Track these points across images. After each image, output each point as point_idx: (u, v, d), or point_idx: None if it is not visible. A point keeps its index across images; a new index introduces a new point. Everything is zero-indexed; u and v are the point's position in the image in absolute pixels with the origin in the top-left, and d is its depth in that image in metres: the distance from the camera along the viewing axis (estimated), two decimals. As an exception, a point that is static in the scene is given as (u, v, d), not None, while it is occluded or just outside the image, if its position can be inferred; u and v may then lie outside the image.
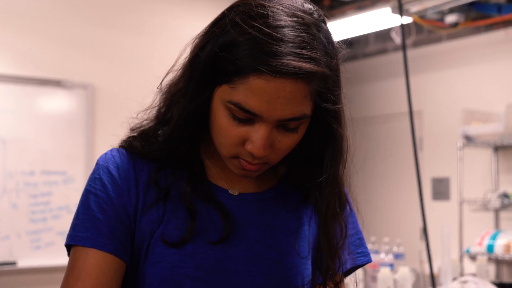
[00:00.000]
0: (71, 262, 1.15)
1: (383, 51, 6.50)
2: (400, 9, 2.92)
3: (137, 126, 1.24)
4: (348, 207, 1.27)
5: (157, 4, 5.36)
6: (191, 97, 1.14)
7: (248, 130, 1.10)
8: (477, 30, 5.65)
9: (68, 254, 1.18)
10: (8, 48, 4.68)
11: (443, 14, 5.44)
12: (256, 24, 1.07)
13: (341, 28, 5.52)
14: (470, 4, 5.24)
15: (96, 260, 1.13)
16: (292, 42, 1.06)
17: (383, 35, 6.31)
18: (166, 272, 1.15)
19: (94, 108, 4.93)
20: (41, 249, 4.64)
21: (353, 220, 1.32)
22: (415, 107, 3.29)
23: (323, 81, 1.11)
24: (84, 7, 5.01)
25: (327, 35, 1.14)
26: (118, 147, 1.23)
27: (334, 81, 1.13)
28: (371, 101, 6.56)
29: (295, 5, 1.12)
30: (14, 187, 4.60)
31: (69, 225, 1.18)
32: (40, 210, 4.68)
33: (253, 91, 1.06)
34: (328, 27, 1.16)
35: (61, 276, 1.16)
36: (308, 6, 1.14)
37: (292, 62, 1.04)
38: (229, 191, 1.22)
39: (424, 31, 5.99)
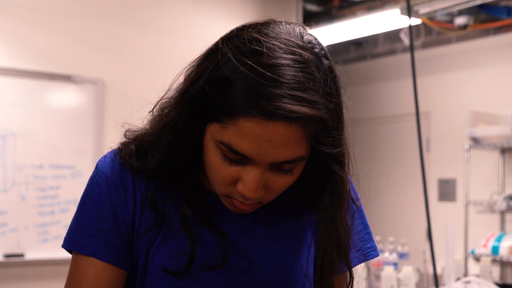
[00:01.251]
0: (72, 269, 1.16)
1: (392, 52, 6.51)
2: (409, 11, 2.94)
3: (132, 135, 1.21)
4: (353, 204, 1.24)
5: (166, 1, 5.39)
6: (181, 131, 1.09)
7: (240, 170, 1.05)
8: (486, 33, 5.65)
9: (70, 252, 1.18)
10: (19, 43, 4.71)
11: (452, 16, 5.45)
12: (249, 62, 0.99)
13: (351, 29, 5.54)
14: (480, 6, 5.25)
15: (96, 269, 1.13)
16: (287, 83, 0.97)
17: (392, 36, 6.32)
18: (165, 283, 1.13)
19: (104, 103, 4.96)
20: (48, 242, 4.67)
21: (360, 215, 1.29)
22: (423, 108, 3.31)
23: (320, 124, 1.03)
24: (94, 2, 5.04)
25: (328, 72, 1.05)
26: (116, 150, 1.20)
27: (334, 122, 1.05)
28: (380, 101, 6.58)
29: (293, 39, 1.03)
30: (23, 180, 4.64)
31: None
32: (48, 203, 4.71)
33: (243, 133, 0.99)
34: (329, 62, 1.07)
35: (67, 269, 1.17)
36: (308, 38, 1.06)
37: (285, 105, 0.96)
38: None
39: (433, 33, 6.00)
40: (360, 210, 1.29)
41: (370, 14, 5.27)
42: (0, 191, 4.57)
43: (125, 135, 1.21)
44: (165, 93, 1.16)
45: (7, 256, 4.54)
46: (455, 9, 5.19)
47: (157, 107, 1.17)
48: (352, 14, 6.03)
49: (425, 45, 6.11)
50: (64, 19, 4.87)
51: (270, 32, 1.04)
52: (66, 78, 4.83)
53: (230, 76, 1.00)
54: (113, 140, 1.23)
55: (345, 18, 5.67)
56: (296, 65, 1.00)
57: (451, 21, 5.52)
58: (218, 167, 1.06)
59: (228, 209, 1.16)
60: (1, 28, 4.65)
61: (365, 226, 1.30)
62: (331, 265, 1.14)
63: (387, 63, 6.53)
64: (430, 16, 5.29)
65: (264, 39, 1.02)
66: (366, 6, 6.11)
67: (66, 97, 4.88)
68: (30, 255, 4.62)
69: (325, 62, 1.05)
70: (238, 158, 1.03)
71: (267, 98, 0.97)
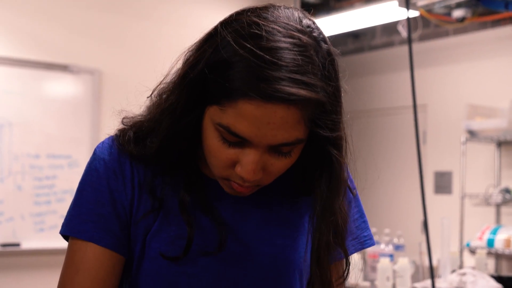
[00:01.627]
0: (69, 255, 1.15)
1: (389, 44, 6.51)
2: (407, 3, 2.93)
3: (130, 122, 1.21)
4: (350, 193, 1.25)
5: (166, -8, 5.38)
6: (180, 115, 1.09)
7: (238, 153, 1.05)
8: (484, 26, 5.65)
9: (66, 240, 1.18)
10: (16, 32, 4.70)
11: (450, 8, 5.44)
12: (248, 45, 0.99)
13: (348, 20, 5.53)
14: (478, -1, 5.24)
15: (95, 254, 1.13)
16: (285, 66, 0.98)
17: (390, 28, 6.32)
18: (162, 269, 1.14)
19: (100, 93, 4.95)
20: (44, 232, 4.68)
21: (357, 204, 1.30)
22: (420, 101, 3.31)
23: (319, 107, 1.03)
24: (93, -8, 5.03)
25: (326, 56, 1.06)
26: (114, 136, 1.20)
27: (333, 105, 1.06)
28: (377, 93, 6.58)
29: (292, 23, 1.04)
30: (19, 170, 4.64)
31: None
32: (45, 193, 4.72)
33: (242, 115, 1.00)
34: (328, 46, 1.07)
35: (63, 259, 1.17)
36: (307, 22, 1.06)
37: (284, 87, 0.97)
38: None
39: (430, 25, 6.00)
40: (356, 199, 1.30)
41: (368, 6, 5.26)
42: (-3, 180, 4.57)
43: (122, 122, 1.21)
44: (163, 78, 1.16)
45: (3, 245, 4.55)
46: (453, 2, 5.18)
47: (155, 93, 1.17)
48: (350, 6, 6.02)
49: (423, 38, 6.10)
50: (61, 8, 4.86)
51: (269, 16, 1.04)
52: (63, 68, 4.83)
53: (229, 59, 1.01)
54: (110, 127, 1.23)
55: (343, 9, 5.66)
56: (295, 49, 1.00)
57: (448, 14, 5.51)
58: (217, 150, 1.07)
59: (226, 195, 1.16)
60: (-2, 17, 4.63)
61: (362, 215, 1.31)
62: (327, 248, 1.14)
63: (384, 56, 6.53)
64: (428, 9, 5.27)
65: (263, 23, 1.02)
66: (364, -2, 6.10)
67: (63, 86, 4.87)
68: (26, 245, 4.62)
69: (324, 46, 1.06)
70: (236, 140, 1.04)
71: (266, 80, 0.97)
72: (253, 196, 1.18)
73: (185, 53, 1.11)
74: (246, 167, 1.05)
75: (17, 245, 4.60)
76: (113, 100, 4.82)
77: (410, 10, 5.03)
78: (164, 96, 1.14)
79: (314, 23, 1.08)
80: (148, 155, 1.15)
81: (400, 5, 4.83)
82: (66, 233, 1.16)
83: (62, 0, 4.87)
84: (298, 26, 1.04)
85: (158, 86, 1.17)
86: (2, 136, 4.59)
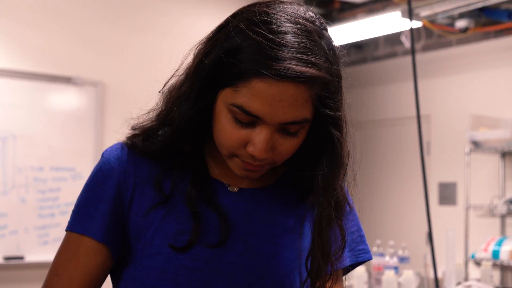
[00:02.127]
0: (65, 244, 1.22)
1: (392, 55, 6.51)
2: (410, 14, 2.93)
3: (138, 126, 1.26)
4: (347, 206, 1.27)
5: (167, 3, 5.39)
6: (194, 101, 1.16)
7: (250, 132, 1.12)
8: (487, 36, 5.65)
9: None
10: (20, 44, 4.71)
11: (453, 19, 5.45)
12: (259, 30, 1.09)
13: (351, 31, 5.53)
14: (481, 9, 5.24)
15: (87, 248, 1.19)
16: (294, 48, 1.08)
17: (393, 39, 6.32)
18: (164, 264, 1.17)
19: (104, 105, 4.96)
20: (48, 245, 4.67)
21: (353, 218, 1.33)
22: (423, 112, 3.30)
23: (324, 87, 1.13)
24: (95, 4, 5.04)
25: (328, 42, 1.16)
26: (123, 142, 1.26)
27: (335, 87, 1.16)
28: (380, 104, 6.57)
29: (298, 12, 1.14)
30: (23, 183, 4.63)
31: None
32: (48, 205, 4.71)
33: (255, 94, 1.08)
34: (329, 34, 1.19)
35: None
36: (310, 14, 1.17)
37: (294, 66, 1.06)
38: (229, 188, 1.24)
39: (434, 36, 6.00)
40: (353, 213, 1.33)
41: (371, 17, 5.27)
42: (0, 193, 4.57)
43: (132, 128, 1.27)
44: (175, 71, 1.23)
45: (7, 258, 4.54)
46: (456, 12, 5.19)
47: (166, 88, 1.24)
48: (353, 16, 6.03)
49: (426, 48, 6.10)
50: (65, 20, 4.87)
51: (276, 6, 1.14)
52: (66, 80, 4.83)
53: (242, 43, 1.10)
54: (119, 134, 1.27)
55: (345, 20, 5.67)
56: (301, 33, 1.11)
57: (451, 24, 5.52)
58: (229, 130, 1.13)
59: (230, 195, 1.23)
60: (2, 29, 4.65)
61: (359, 229, 1.35)
62: (328, 221, 1.19)
63: (387, 66, 6.52)
64: (431, 19, 5.28)
65: (272, 12, 1.12)
66: (367, 9, 6.10)
67: (67, 99, 4.88)
68: (30, 258, 4.61)
69: (326, 33, 1.18)
70: (249, 120, 1.11)
71: (277, 60, 1.07)
72: (255, 197, 1.25)
73: (196, 46, 1.20)
74: (258, 145, 1.12)
75: (21, 258, 4.59)
76: (116, 112, 4.82)
77: (413, 21, 5.04)
78: (176, 88, 1.21)
79: (316, 15, 1.19)
80: (158, 150, 1.21)
81: (403, 15, 4.84)
82: (67, 229, 1.22)
83: (65, 12, 4.89)
84: (303, 15, 1.15)
85: (170, 79, 1.24)
86: (5, 149, 4.59)
